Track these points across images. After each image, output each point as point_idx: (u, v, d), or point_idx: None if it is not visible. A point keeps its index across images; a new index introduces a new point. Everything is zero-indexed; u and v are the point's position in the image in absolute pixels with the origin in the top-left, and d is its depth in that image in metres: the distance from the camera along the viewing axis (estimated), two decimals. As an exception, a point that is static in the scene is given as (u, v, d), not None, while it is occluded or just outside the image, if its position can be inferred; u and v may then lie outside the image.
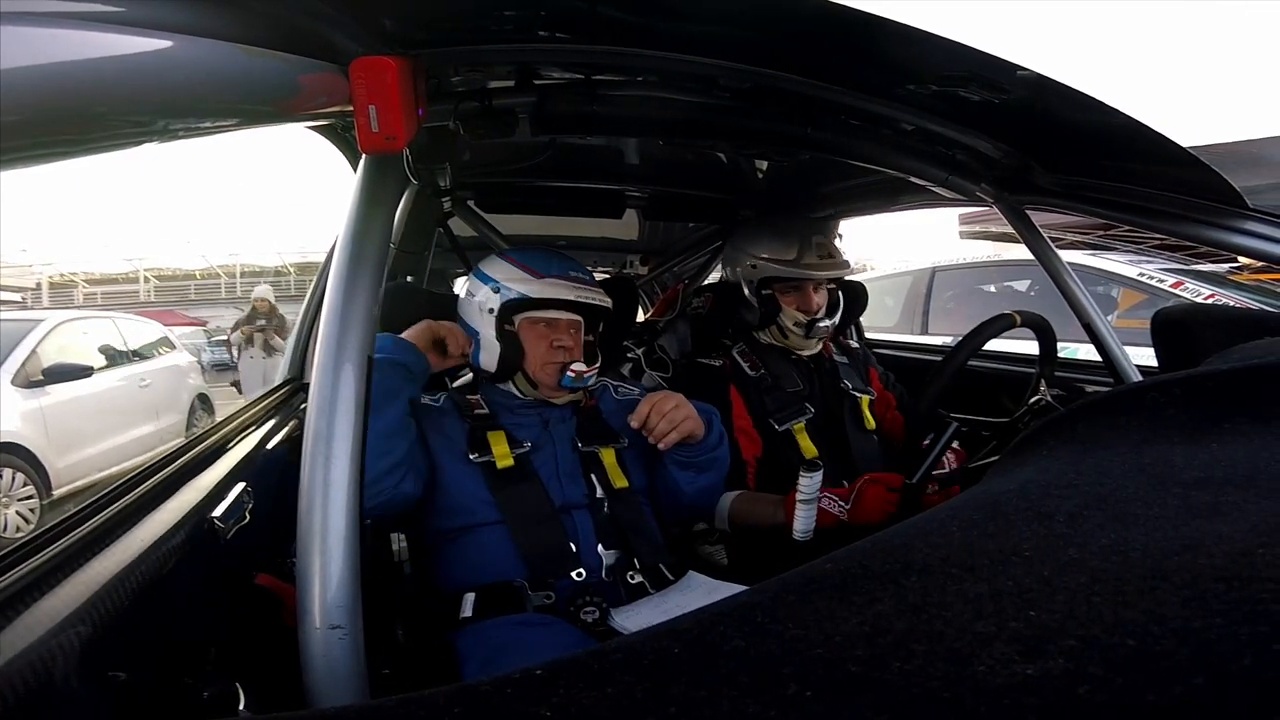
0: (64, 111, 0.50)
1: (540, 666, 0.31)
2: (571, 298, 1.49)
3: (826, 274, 1.86)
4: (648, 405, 1.43)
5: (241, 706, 0.85)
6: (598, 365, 1.57)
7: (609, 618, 1.28)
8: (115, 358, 6.53)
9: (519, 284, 1.49)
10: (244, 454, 1.32)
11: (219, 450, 1.30)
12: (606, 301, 1.56)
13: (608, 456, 1.51)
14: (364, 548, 0.82)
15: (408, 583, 1.48)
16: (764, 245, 1.90)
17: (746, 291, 1.93)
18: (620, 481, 1.49)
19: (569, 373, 1.48)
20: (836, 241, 1.92)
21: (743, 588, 0.42)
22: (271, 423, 1.56)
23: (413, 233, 2.23)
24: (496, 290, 1.50)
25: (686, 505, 1.58)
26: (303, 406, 1.56)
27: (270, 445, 1.44)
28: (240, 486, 1.16)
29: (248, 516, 1.12)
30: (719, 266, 2.77)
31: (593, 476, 1.47)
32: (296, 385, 1.92)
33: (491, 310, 1.50)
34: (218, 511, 1.06)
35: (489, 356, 1.51)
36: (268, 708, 0.89)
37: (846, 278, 1.97)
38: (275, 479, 1.33)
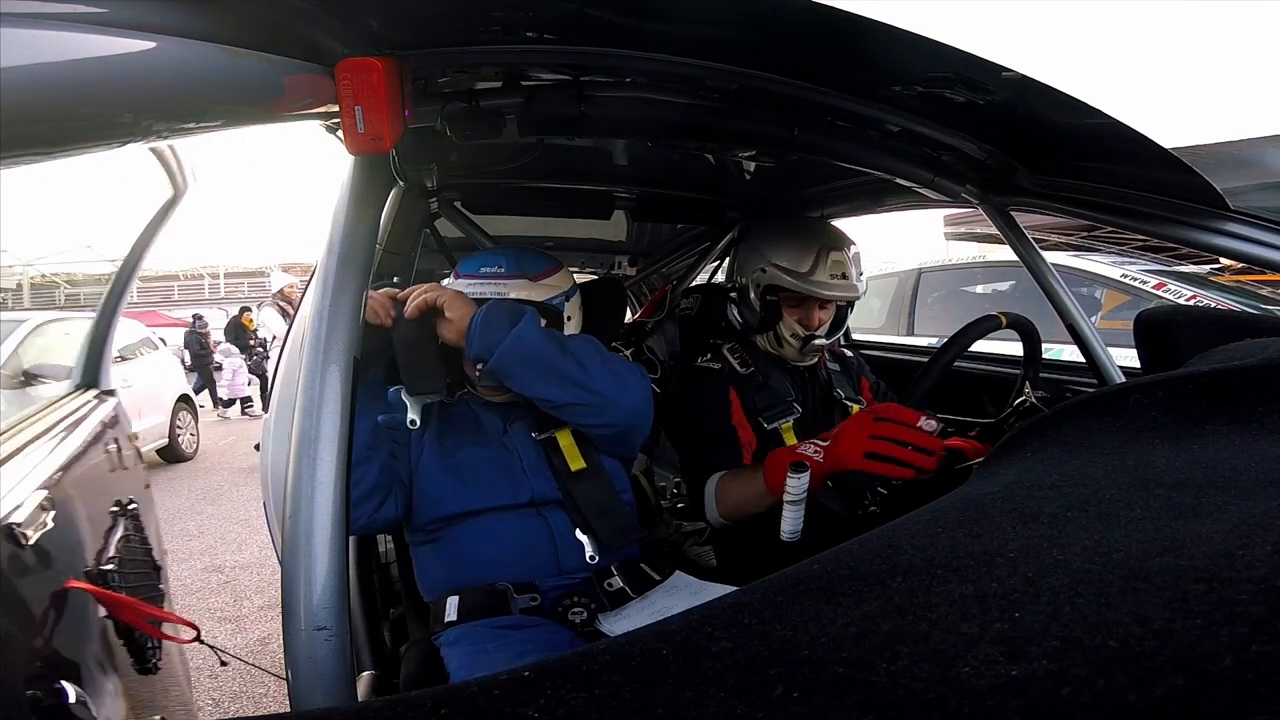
0: (48, 113, 0.49)
1: (527, 668, 0.31)
2: (469, 294, 1.43)
3: (835, 294, 1.79)
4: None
5: (72, 700, 0.84)
6: None
7: (597, 619, 1.28)
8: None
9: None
10: (43, 459, 1.30)
11: (11, 456, 1.27)
12: (507, 292, 1.46)
13: (564, 438, 1.49)
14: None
15: (394, 584, 1.47)
16: (780, 252, 1.82)
17: (752, 294, 1.88)
18: (577, 463, 1.46)
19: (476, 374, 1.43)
20: (851, 260, 1.80)
21: (730, 589, 0.42)
22: (69, 427, 1.54)
23: (399, 234, 2.21)
24: None
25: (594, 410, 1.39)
26: (94, 410, 1.51)
27: (71, 451, 1.42)
28: (42, 493, 1.14)
29: (49, 523, 1.11)
30: (706, 268, 2.77)
31: (554, 463, 1.46)
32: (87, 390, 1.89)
33: None
34: (19, 517, 1.04)
35: None
36: (110, 708, 0.88)
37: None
38: (78, 487, 1.30)
